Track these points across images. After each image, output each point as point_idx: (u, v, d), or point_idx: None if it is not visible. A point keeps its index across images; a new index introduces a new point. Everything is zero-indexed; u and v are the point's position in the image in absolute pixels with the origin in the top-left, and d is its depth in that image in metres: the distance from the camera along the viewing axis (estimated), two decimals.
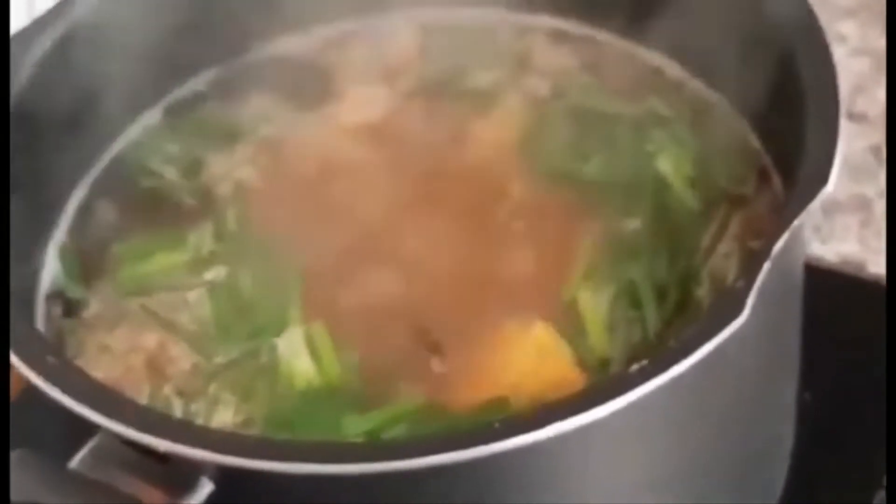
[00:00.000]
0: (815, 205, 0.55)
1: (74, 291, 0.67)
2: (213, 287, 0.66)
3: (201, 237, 0.68)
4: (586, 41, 0.75)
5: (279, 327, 0.63)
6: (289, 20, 0.75)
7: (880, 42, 1.01)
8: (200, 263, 0.67)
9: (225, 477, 0.52)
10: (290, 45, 0.76)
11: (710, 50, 0.68)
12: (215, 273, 0.67)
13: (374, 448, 0.54)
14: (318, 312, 0.64)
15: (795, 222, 0.55)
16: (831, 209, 0.92)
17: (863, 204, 0.92)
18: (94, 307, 0.67)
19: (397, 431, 0.59)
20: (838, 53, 0.99)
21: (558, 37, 0.75)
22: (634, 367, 0.52)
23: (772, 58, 0.63)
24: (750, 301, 0.52)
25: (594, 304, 0.63)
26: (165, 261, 0.68)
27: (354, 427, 0.59)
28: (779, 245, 0.54)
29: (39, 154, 0.66)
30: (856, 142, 0.95)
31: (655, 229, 0.66)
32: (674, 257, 0.65)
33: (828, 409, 0.76)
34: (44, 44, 0.67)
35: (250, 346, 0.63)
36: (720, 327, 0.52)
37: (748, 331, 0.52)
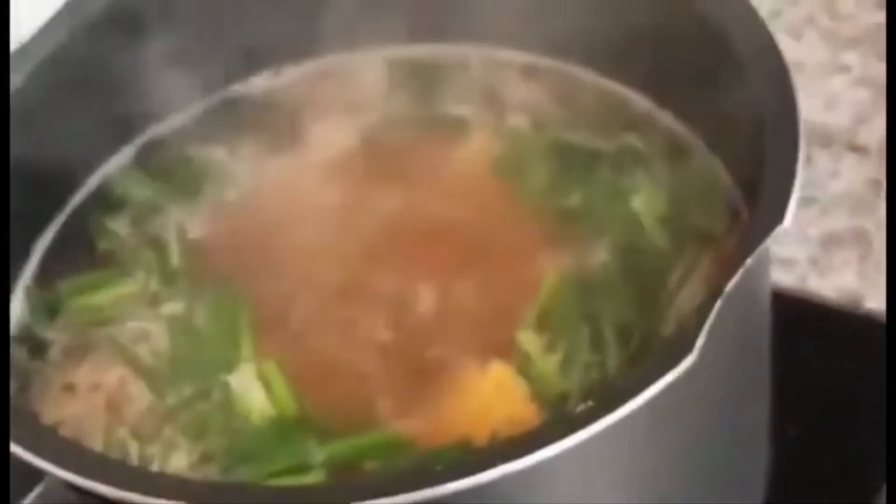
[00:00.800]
0: (770, 243, 0.54)
1: (40, 330, 0.68)
2: (171, 321, 0.67)
3: (147, 276, 0.69)
4: (556, 75, 0.74)
5: (231, 365, 0.64)
6: (259, 61, 0.75)
7: (883, 71, 1.00)
8: (156, 299, 0.68)
9: None
10: (258, 85, 0.76)
11: (678, 85, 0.67)
12: (173, 308, 0.67)
13: (316, 492, 0.54)
14: (273, 350, 0.64)
15: (749, 261, 0.54)
16: (830, 243, 0.91)
17: (862, 237, 0.91)
18: (59, 345, 0.67)
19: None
20: (841, 84, 1.01)
21: (528, 71, 0.75)
22: (580, 407, 0.51)
23: (737, 94, 0.62)
24: (699, 341, 0.52)
25: (540, 345, 0.62)
26: (114, 293, 0.68)
27: (315, 456, 0.60)
28: (731, 284, 0.53)
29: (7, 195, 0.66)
30: (856, 174, 0.94)
31: (624, 268, 0.66)
32: (641, 297, 0.64)
33: (813, 445, 0.75)
34: (15, 79, 0.68)
35: (203, 385, 0.63)
36: (668, 368, 0.51)
37: (704, 369, 0.51)
